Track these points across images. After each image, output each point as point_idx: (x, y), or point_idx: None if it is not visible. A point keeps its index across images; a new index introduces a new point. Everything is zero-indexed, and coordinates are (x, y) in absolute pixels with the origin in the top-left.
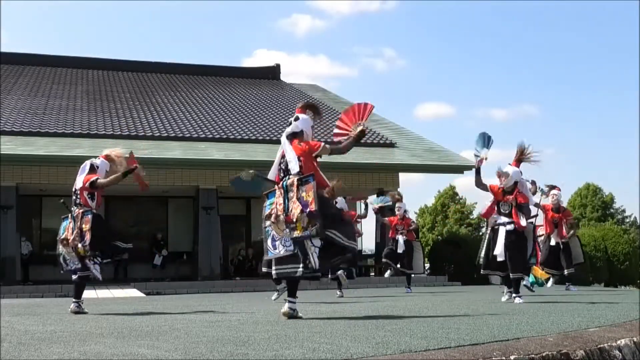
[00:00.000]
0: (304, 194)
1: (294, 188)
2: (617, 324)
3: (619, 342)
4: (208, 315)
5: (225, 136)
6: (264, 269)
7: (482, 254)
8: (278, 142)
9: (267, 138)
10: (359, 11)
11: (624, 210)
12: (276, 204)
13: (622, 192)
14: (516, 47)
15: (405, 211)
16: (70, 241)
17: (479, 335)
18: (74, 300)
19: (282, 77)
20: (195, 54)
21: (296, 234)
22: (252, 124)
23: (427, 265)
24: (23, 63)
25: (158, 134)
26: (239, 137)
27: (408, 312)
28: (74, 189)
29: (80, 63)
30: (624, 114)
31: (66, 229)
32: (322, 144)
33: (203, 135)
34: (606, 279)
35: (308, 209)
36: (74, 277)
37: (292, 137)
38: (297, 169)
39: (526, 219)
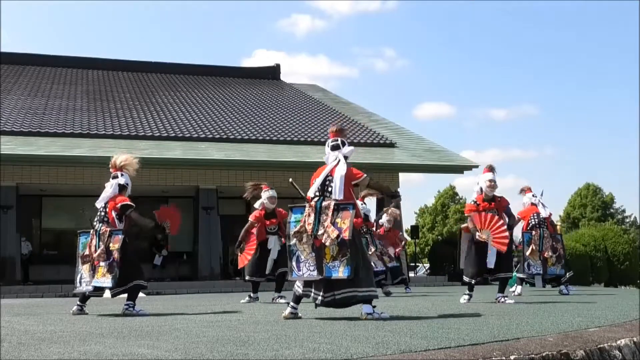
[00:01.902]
0: (338, 220)
1: (329, 212)
2: (617, 324)
3: (619, 342)
4: (208, 315)
5: (225, 136)
6: (249, 278)
7: (471, 264)
8: (278, 142)
9: (267, 138)
10: (359, 11)
11: (624, 210)
12: (305, 222)
13: (622, 192)
14: (516, 47)
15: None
16: (94, 258)
17: (479, 335)
18: (78, 303)
19: (282, 77)
20: (195, 54)
21: (325, 262)
22: (252, 124)
23: (427, 266)
24: (23, 63)
25: (158, 134)
26: (239, 137)
27: (408, 312)
28: (101, 205)
29: (80, 63)
30: (624, 114)
31: (87, 246)
32: (365, 175)
33: (203, 135)
34: (606, 279)
35: (341, 236)
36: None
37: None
38: (341, 198)
39: None
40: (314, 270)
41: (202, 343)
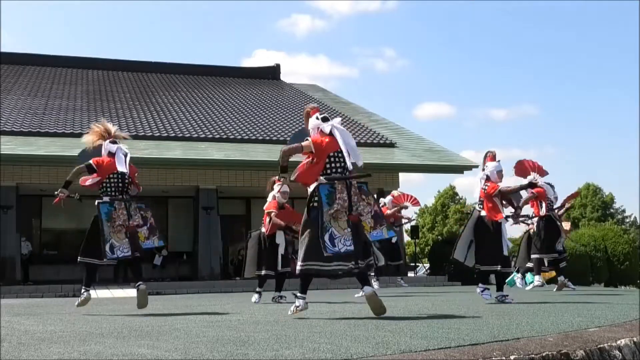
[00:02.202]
0: (364, 197)
1: (355, 189)
2: (617, 324)
3: (619, 342)
4: (208, 315)
5: (225, 136)
6: (265, 272)
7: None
8: (278, 142)
9: (267, 138)
10: (359, 11)
11: (624, 210)
12: (339, 199)
13: (622, 192)
14: (516, 47)
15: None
16: (130, 225)
17: (479, 335)
18: (84, 287)
19: (282, 77)
20: (195, 54)
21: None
22: (252, 124)
23: (427, 266)
24: (23, 63)
25: (158, 134)
26: (239, 137)
27: (408, 312)
28: (125, 175)
29: (80, 63)
30: (624, 114)
31: (117, 216)
32: None
33: (203, 135)
34: (606, 279)
35: (374, 210)
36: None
37: None
38: (361, 164)
39: None
40: (350, 245)
41: (202, 343)
